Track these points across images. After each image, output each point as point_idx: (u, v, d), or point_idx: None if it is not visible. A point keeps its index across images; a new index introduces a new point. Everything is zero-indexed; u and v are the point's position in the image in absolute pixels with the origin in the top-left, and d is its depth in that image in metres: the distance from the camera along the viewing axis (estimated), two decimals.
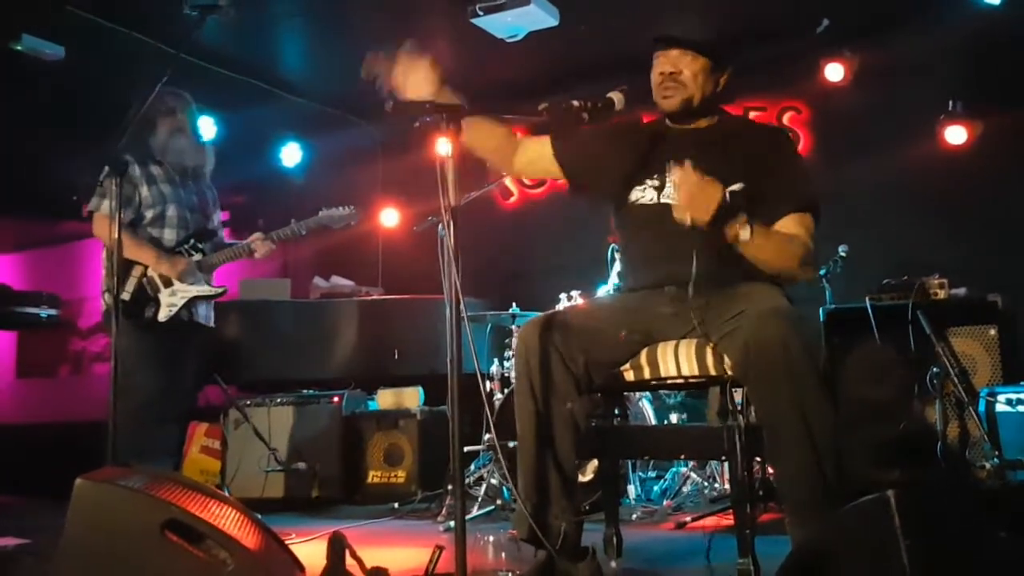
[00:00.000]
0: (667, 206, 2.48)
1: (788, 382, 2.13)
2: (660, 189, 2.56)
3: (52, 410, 7.24)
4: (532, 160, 2.76)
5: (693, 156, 2.37)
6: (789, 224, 2.44)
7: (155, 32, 4.80)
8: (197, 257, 3.79)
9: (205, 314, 3.86)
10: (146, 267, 3.67)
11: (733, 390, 2.39)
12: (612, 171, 2.66)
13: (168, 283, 3.70)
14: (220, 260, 3.86)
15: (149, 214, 3.75)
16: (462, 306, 2.15)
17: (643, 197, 2.58)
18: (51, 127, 5.62)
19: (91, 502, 1.96)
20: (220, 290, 3.85)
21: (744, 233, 2.26)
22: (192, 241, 3.81)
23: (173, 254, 3.74)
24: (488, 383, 4.47)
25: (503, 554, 3.10)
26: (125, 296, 3.61)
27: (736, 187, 2.39)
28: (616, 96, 2.50)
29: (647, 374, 2.49)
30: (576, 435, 2.37)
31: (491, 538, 3.36)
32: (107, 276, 3.68)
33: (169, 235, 3.77)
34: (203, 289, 3.78)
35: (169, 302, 3.69)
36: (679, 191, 2.27)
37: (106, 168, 3.00)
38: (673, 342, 2.43)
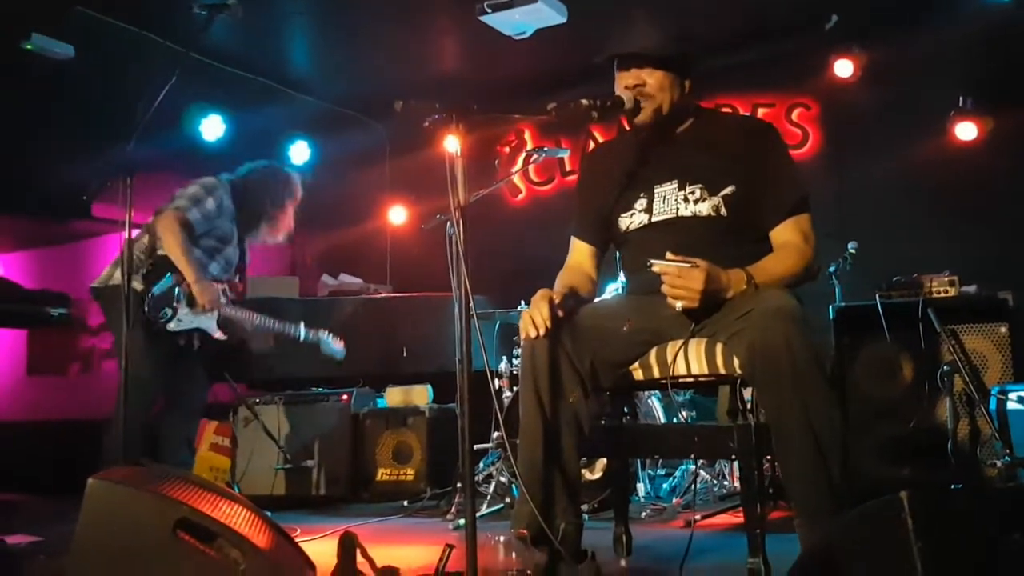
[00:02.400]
0: (658, 224, 2.51)
1: (793, 383, 2.12)
2: (649, 210, 2.56)
3: (63, 407, 7.26)
4: (582, 263, 2.75)
5: (683, 164, 2.48)
6: (785, 232, 2.46)
7: (164, 31, 4.81)
8: (225, 300, 3.87)
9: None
10: (183, 277, 3.73)
11: (743, 389, 2.38)
12: (610, 212, 2.66)
13: (192, 303, 3.75)
14: (236, 315, 3.94)
15: (213, 242, 3.89)
16: (471, 304, 2.15)
17: (632, 223, 2.59)
18: (60, 126, 5.64)
19: (103, 502, 1.97)
20: (221, 337, 3.90)
21: (749, 288, 2.31)
22: (225, 287, 3.92)
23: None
24: (497, 380, 4.47)
25: (513, 553, 3.10)
26: (157, 290, 3.70)
27: (728, 190, 2.45)
28: (625, 94, 2.51)
29: (656, 373, 2.48)
30: (580, 435, 2.36)
31: (501, 537, 3.36)
32: (123, 263, 3.69)
33: (214, 269, 3.91)
34: (209, 327, 3.85)
35: (179, 318, 3.74)
36: (664, 283, 2.29)
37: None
38: (682, 341, 2.43)
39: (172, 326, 3.73)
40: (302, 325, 4.17)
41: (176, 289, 3.72)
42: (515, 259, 5.53)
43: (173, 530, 1.94)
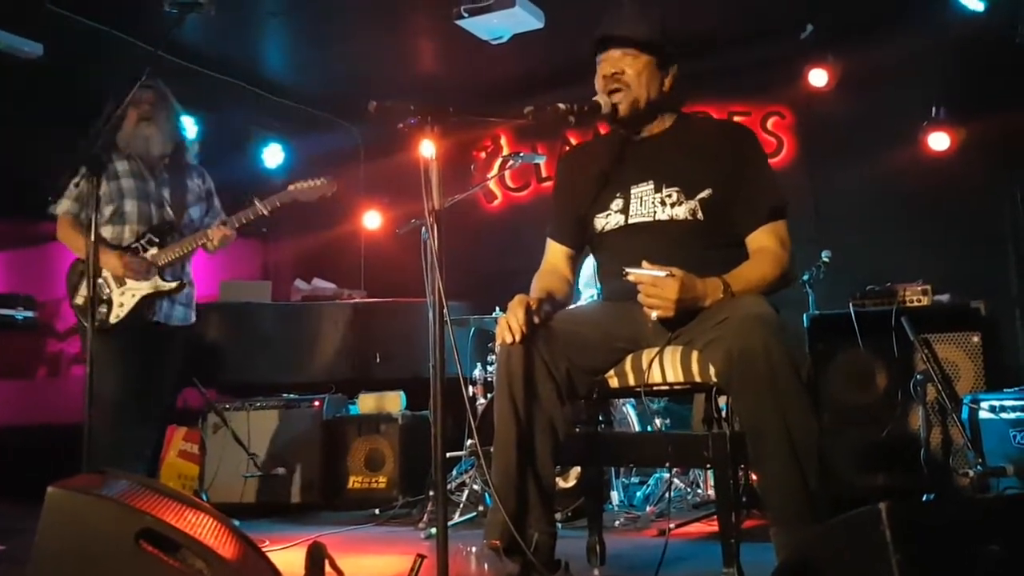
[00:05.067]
0: (635, 226, 2.49)
1: (770, 391, 2.11)
2: (625, 211, 2.53)
3: (29, 413, 7.13)
4: (558, 265, 2.72)
5: (660, 166, 2.47)
6: (762, 238, 2.45)
7: (135, 30, 4.74)
8: (153, 251, 3.66)
9: (180, 314, 3.76)
10: (100, 268, 3.53)
11: (718, 397, 2.37)
12: (586, 213, 2.63)
13: (121, 282, 3.61)
14: (173, 254, 3.68)
15: (107, 211, 3.65)
16: (446, 311, 2.12)
17: (608, 223, 2.56)
18: (28, 126, 5.54)
19: (63, 511, 1.90)
20: (171, 285, 3.67)
21: (726, 296, 2.29)
22: (148, 236, 3.68)
23: (127, 251, 3.64)
24: (471, 387, 4.44)
25: (485, 564, 3.06)
26: (79, 300, 3.56)
27: (705, 194, 2.43)
28: (603, 99, 2.49)
29: (632, 380, 2.46)
30: (555, 443, 2.33)
31: (473, 548, 3.32)
32: (68, 279, 3.66)
33: (128, 232, 3.68)
34: (158, 284, 3.64)
35: (120, 302, 3.59)
36: (639, 291, 2.28)
37: (83, 169, 2.94)
38: (657, 348, 2.41)
39: (114, 316, 3.56)
40: (256, 202, 3.80)
41: (95, 283, 3.58)
42: (490, 265, 5.51)
43: (136, 540, 1.88)
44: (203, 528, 2.01)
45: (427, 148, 2.18)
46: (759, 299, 2.30)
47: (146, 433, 3.74)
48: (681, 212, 2.46)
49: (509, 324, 2.31)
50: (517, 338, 2.30)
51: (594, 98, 2.49)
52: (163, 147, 3.78)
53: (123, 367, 3.53)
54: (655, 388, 2.44)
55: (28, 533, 2.00)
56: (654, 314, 2.29)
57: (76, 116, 4.09)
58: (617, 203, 2.55)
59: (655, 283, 2.25)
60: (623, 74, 2.47)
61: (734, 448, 2.28)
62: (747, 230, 2.46)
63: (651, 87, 2.50)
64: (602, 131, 2.63)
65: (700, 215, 2.45)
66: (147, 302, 3.63)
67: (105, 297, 3.59)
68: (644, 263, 2.28)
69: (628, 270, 2.30)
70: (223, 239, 3.72)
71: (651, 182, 2.52)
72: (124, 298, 3.60)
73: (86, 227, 3.45)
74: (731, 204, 2.46)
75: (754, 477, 2.44)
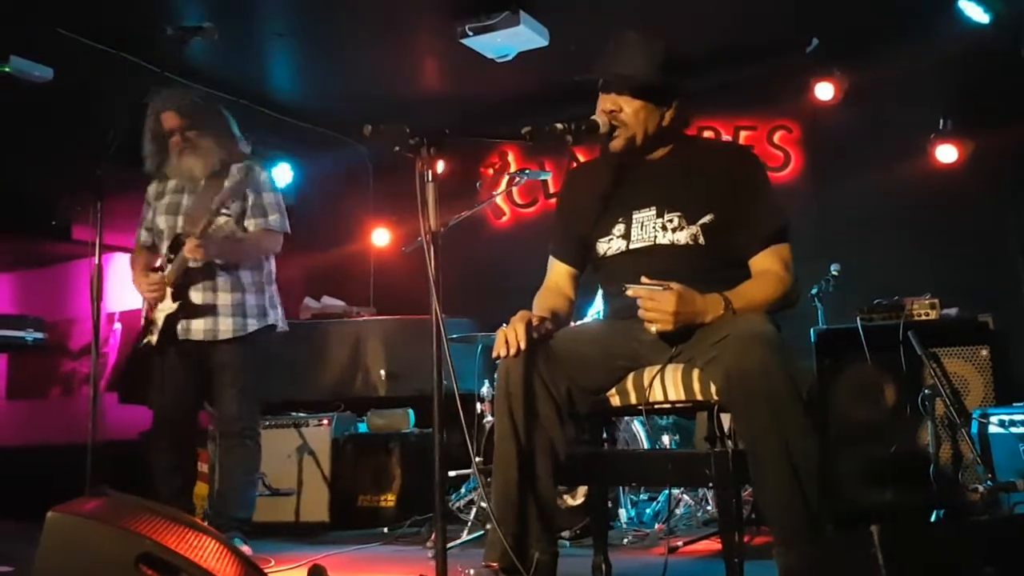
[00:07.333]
0: (636, 251, 2.49)
1: (769, 409, 2.09)
2: (627, 236, 2.53)
3: (43, 432, 7.18)
4: (561, 283, 2.71)
5: (662, 191, 2.47)
6: (765, 260, 2.43)
7: (144, 53, 4.78)
8: (169, 268, 3.60)
9: (228, 325, 3.64)
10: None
11: (720, 415, 2.36)
12: (588, 234, 2.63)
13: (155, 302, 3.65)
14: (176, 270, 3.56)
15: (143, 235, 3.78)
16: (443, 330, 2.12)
17: (610, 248, 2.56)
18: (38, 149, 5.60)
19: (63, 535, 1.91)
20: (172, 307, 3.57)
21: (727, 313, 2.28)
22: (168, 254, 3.63)
23: (157, 270, 3.66)
24: (479, 404, 4.43)
25: None
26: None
27: (706, 219, 2.42)
28: (601, 118, 2.49)
29: (633, 399, 2.45)
30: (556, 463, 2.32)
31: (471, 570, 3.30)
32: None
33: (164, 249, 3.67)
34: (166, 307, 3.59)
35: (156, 321, 3.62)
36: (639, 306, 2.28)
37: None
38: (659, 366, 2.40)
39: (154, 338, 3.60)
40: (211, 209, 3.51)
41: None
42: (498, 281, 5.50)
43: (136, 565, 1.89)
44: (204, 551, 2.02)
45: (424, 171, 2.18)
46: (760, 317, 2.28)
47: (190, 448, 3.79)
48: (682, 237, 2.45)
49: (507, 337, 2.31)
50: (512, 351, 2.30)
51: (592, 117, 2.49)
52: (206, 168, 3.67)
53: (168, 385, 3.59)
54: (657, 406, 2.43)
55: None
56: (653, 328, 2.28)
57: (86, 139, 4.15)
58: (619, 228, 2.54)
59: (653, 297, 2.25)
60: (621, 112, 2.46)
61: (736, 467, 2.26)
62: (750, 253, 2.45)
63: (649, 124, 2.48)
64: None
65: (701, 240, 2.43)
66: (170, 322, 3.60)
67: (151, 317, 3.65)
68: (643, 279, 2.28)
69: (627, 286, 2.30)
70: (191, 251, 3.46)
71: (653, 207, 2.50)
72: (158, 317, 3.62)
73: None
74: (733, 228, 2.44)
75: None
